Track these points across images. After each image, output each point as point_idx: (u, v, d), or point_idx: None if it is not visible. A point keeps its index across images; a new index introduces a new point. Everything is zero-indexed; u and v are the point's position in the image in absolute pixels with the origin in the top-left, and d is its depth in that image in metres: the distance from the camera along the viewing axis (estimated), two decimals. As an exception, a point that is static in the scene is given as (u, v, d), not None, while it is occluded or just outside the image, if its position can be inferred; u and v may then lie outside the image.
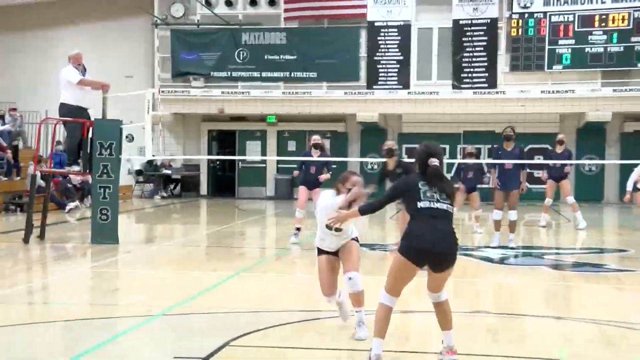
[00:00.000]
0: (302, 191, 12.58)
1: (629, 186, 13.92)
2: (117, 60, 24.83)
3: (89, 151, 12.15)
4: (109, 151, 11.99)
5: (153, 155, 18.67)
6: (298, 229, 12.34)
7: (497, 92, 22.71)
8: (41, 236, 12.31)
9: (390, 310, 5.33)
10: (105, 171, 11.97)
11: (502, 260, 10.84)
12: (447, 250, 5.23)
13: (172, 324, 6.75)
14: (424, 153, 5.38)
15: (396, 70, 23.35)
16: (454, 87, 22.87)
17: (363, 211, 5.65)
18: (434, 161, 5.30)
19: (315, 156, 12.66)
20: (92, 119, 12.32)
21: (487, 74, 22.84)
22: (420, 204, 5.24)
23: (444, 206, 5.25)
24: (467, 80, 22.91)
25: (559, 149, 15.21)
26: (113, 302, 7.89)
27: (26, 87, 25.39)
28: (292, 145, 25.22)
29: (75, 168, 12.56)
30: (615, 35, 22.05)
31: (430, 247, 5.14)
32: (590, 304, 7.88)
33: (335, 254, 6.31)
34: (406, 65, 23.32)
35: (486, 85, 22.77)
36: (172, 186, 25.67)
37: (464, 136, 23.93)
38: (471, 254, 11.22)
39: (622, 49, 22.03)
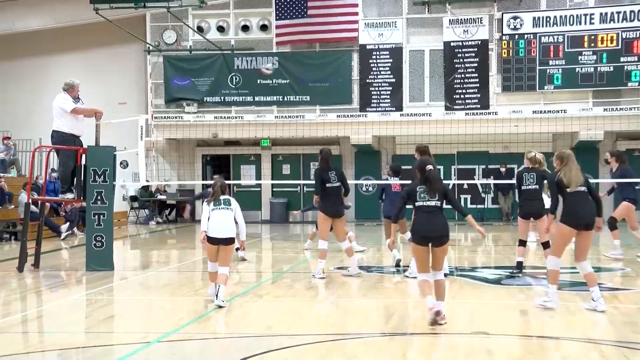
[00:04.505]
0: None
1: None
2: (110, 87, 24.88)
3: (82, 178, 12.14)
4: (102, 178, 11.96)
5: (147, 181, 18.71)
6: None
7: (489, 113, 22.84)
8: (35, 264, 12.24)
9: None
10: (99, 198, 11.95)
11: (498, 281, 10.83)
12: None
13: (168, 351, 6.69)
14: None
15: (389, 92, 23.47)
16: (446, 108, 23.01)
17: None
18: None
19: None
20: (85, 145, 12.33)
21: (479, 95, 22.98)
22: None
23: None
24: (460, 101, 23.04)
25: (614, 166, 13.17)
26: (108, 329, 7.83)
27: (20, 115, 25.43)
28: (286, 169, 25.29)
29: (69, 195, 12.52)
30: (604, 55, 22.24)
31: None
32: None
33: None
34: (398, 88, 23.45)
35: (478, 106, 22.91)
36: (167, 211, 25.63)
37: (458, 157, 24.01)
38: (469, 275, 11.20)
39: (611, 68, 22.20)
